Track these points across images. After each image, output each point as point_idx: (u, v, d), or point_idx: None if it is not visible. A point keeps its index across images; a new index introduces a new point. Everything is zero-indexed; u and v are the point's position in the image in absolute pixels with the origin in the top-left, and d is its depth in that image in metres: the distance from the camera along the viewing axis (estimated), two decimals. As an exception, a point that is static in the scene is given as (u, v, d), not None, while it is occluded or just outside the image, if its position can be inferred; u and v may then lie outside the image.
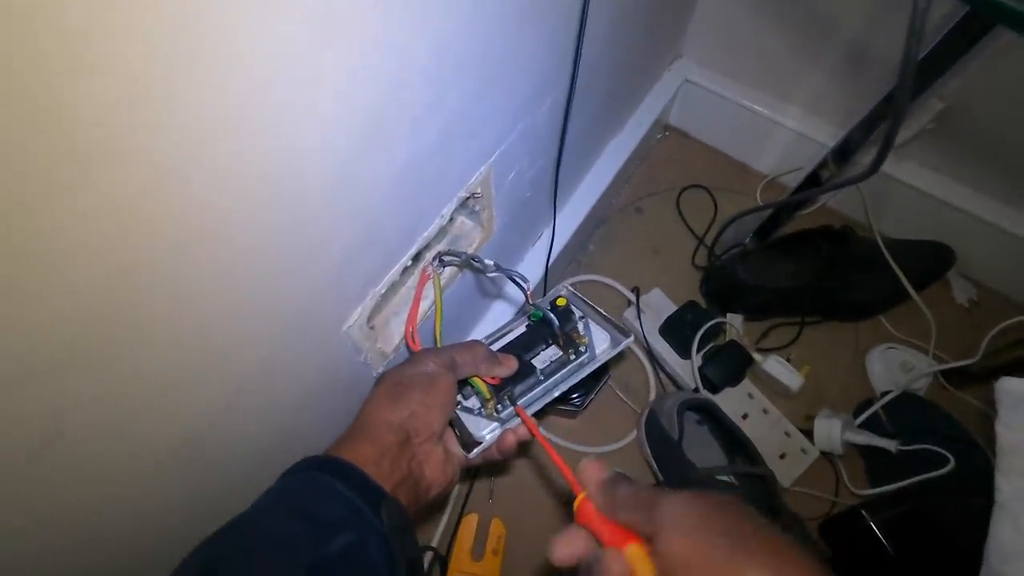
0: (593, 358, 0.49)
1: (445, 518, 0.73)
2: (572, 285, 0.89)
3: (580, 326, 0.50)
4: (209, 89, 0.22)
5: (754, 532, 0.28)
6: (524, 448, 0.48)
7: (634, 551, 0.29)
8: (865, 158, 0.73)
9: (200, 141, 0.23)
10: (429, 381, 0.42)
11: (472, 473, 0.76)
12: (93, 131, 0.20)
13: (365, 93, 0.31)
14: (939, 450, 0.67)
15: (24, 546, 0.29)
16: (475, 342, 0.46)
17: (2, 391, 0.22)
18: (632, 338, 0.49)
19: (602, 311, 0.51)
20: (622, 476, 0.33)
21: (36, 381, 0.23)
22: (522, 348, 0.49)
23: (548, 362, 0.49)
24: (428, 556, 0.70)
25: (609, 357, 0.50)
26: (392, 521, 0.35)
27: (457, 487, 0.75)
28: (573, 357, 0.49)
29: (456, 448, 0.46)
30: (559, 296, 0.51)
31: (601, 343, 0.51)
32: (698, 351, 0.78)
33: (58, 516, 0.29)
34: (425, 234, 0.47)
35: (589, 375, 0.49)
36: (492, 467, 0.76)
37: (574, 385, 0.49)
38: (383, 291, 0.45)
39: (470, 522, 0.72)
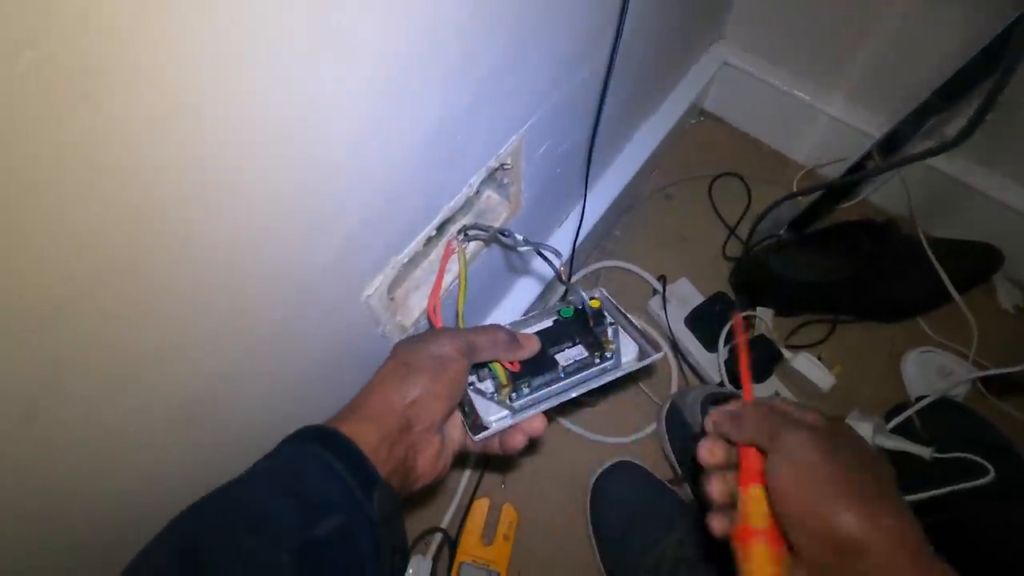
0: (618, 366, 0.48)
1: (456, 500, 0.72)
2: (597, 271, 0.86)
3: (610, 331, 0.49)
4: (222, 23, 0.20)
5: (866, 484, 0.32)
6: (532, 445, 0.46)
7: (756, 491, 0.34)
8: (915, 148, 0.69)
9: (214, 76, 0.21)
10: (440, 366, 0.40)
11: (485, 458, 0.74)
12: (101, 42, 0.18)
13: (394, 44, 0.29)
14: (978, 459, 0.64)
15: (21, 510, 0.27)
16: (495, 326, 0.45)
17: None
18: (662, 354, 0.48)
19: (634, 321, 0.49)
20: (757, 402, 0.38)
21: (35, 328, 0.22)
22: (548, 341, 0.48)
23: (571, 361, 0.47)
24: (438, 538, 0.69)
25: (634, 369, 0.48)
26: (383, 508, 0.34)
27: (468, 471, 0.73)
28: (598, 361, 0.47)
29: (453, 438, 0.44)
30: (593, 297, 0.49)
31: (628, 353, 0.49)
32: (725, 344, 0.75)
33: (64, 471, 0.28)
34: (451, 203, 0.45)
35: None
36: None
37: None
38: (405, 261, 0.43)
39: (481, 506, 0.71)
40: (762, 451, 0.35)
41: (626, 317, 0.50)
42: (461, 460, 0.74)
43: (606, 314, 0.50)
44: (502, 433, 0.45)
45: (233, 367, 0.34)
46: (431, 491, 0.73)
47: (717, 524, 0.37)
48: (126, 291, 0.24)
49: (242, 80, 0.22)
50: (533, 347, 0.46)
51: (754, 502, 0.34)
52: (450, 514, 0.71)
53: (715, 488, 0.38)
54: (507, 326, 0.46)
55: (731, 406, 0.39)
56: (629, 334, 0.50)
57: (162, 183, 0.22)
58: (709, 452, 0.39)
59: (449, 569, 0.67)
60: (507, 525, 0.70)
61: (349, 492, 0.33)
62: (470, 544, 0.68)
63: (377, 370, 0.40)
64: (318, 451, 0.34)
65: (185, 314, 0.28)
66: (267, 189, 0.27)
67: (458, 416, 0.45)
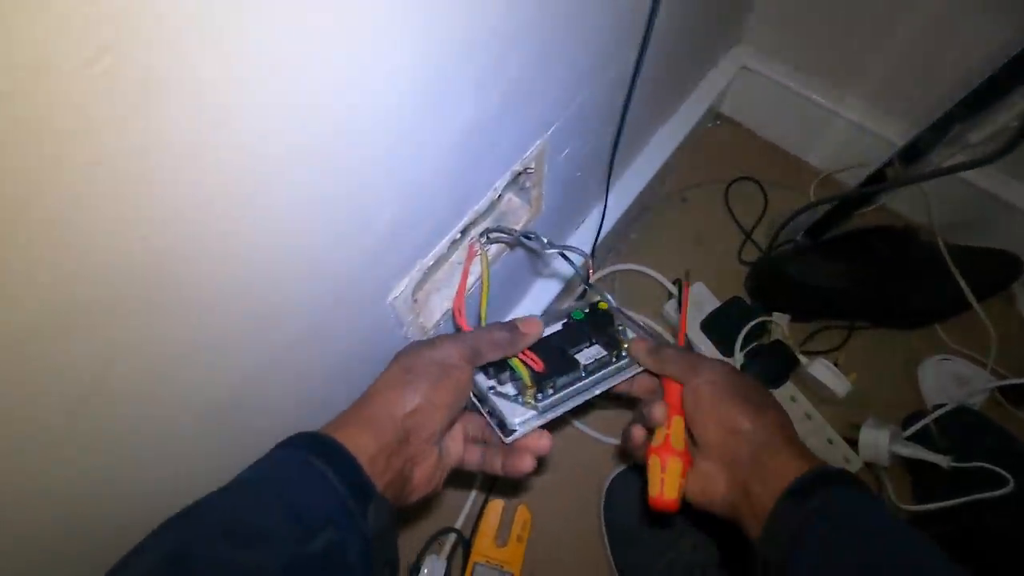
0: (634, 363, 0.49)
1: (470, 501, 0.72)
2: (613, 274, 0.86)
3: (623, 331, 0.50)
4: (262, 27, 0.21)
5: (760, 393, 0.44)
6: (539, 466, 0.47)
7: (678, 421, 0.45)
8: (937, 159, 0.69)
9: (249, 77, 0.22)
10: (442, 373, 0.39)
11: (491, 480, 0.74)
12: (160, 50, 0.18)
13: (433, 46, 0.29)
14: (997, 469, 0.63)
15: (49, 508, 0.28)
16: (492, 325, 0.45)
17: (48, 337, 0.21)
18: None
19: (641, 324, 0.51)
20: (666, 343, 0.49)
21: (82, 329, 0.22)
22: (567, 343, 0.49)
23: (592, 360, 0.48)
24: (452, 538, 0.69)
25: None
26: (378, 523, 0.33)
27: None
28: (615, 360, 0.49)
29: (451, 452, 0.45)
30: (600, 301, 0.51)
31: None
32: (741, 349, 0.75)
33: (96, 473, 0.28)
34: (476, 207, 0.45)
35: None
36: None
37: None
38: (430, 263, 0.43)
39: (495, 507, 0.71)
40: (680, 383, 0.46)
41: (635, 322, 0.52)
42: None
43: (614, 316, 0.51)
44: (507, 454, 0.45)
45: (261, 369, 0.34)
46: (430, 500, 0.73)
47: (638, 432, 0.47)
48: (162, 293, 0.24)
49: (286, 83, 0.23)
50: (535, 330, 0.45)
51: (676, 429, 0.45)
52: (464, 514, 0.71)
53: (636, 434, 0.48)
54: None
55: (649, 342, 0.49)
56: (637, 335, 0.51)
57: (208, 185, 0.23)
58: (638, 433, 0.48)
59: (463, 569, 0.67)
60: (521, 526, 0.70)
61: (343, 506, 0.32)
62: (484, 545, 0.68)
63: (378, 377, 0.40)
64: (315, 463, 0.33)
65: (217, 317, 0.28)
66: (304, 194, 0.27)
67: (458, 430, 0.45)
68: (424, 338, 0.49)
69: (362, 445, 0.35)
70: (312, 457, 0.33)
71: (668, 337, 0.80)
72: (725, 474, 0.42)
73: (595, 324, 0.50)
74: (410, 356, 0.40)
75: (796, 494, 0.37)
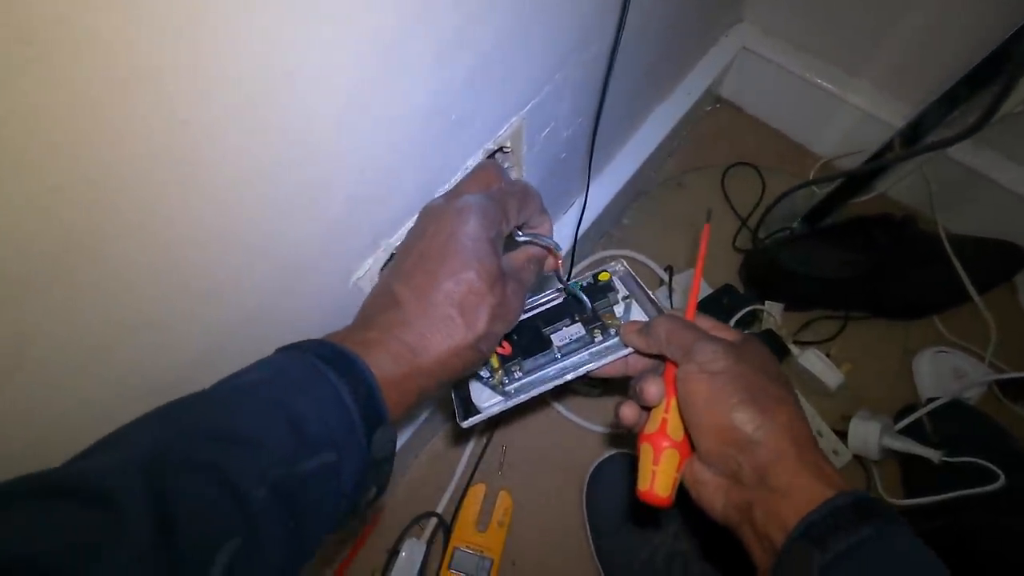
0: (622, 344, 0.44)
1: (452, 485, 0.71)
2: (603, 260, 0.84)
3: (619, 308, 0.46)
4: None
5: (768, 390, 0.35)
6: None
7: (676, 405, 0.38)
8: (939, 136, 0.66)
9: (183, 33, 0.20)
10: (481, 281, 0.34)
11: (484, 444, 0.74)
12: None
13: (378, 12, 0.27)
14: (988, 464, 0.62)
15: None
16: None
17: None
18: None
19: (655, 299, 0.45)
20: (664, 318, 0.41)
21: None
22: (543, 321, 0.46)
23: (567, 340, 0.45)
24: (432, 523, 0.69)
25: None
26: (380, 451, 0.31)
27: (466, 457, 0.73)
28: (598, 339, 0.44)
29: None
30: (603, 270, 0.47)
31: None
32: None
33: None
34: (446, 187, 0.43)
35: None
36: (504, 437, 0.74)
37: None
38: (396, 244, 0.42)
39: (477, 492, 0.70)
40: (676, 363, 0.38)
41: (645, 292, 0.46)
42: (462, 441, 0.74)
43: (618, 287, 0.47)
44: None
45: (211, 350, 0.33)
46: (428, 475, 0.72)
47: (628, 411, 0.41)
48: (91, 263, 0.23)
49: (215, 37, 0.21)
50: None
51: (675, 414, 0.38)
52: (446, 499, 0.71)
53: (625, 413, 0.42)
54: None
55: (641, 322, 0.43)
56: (645, 311, 0.46)
57: (128, 151, 0.21)
58: (627, 413, 0.42)
59: (443, 554, 0.67)
60: (502, 512, 0.69)
61: (351, 430, 0.29)
62: (464, 530, 0.68)
63: (398, 261, 0.37)
64: (332, 378, 0.29)
65: (157, 290, 0.27)
66: (244, 161, 0.26)
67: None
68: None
69: (386, 371, 0.31)
70: (331, 372, 0.29)
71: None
72: (723, 488, 0.36)
73: (580, 302, 0.46)
74: (433, 233, 0.36)
75: (811, 535, 0.30)
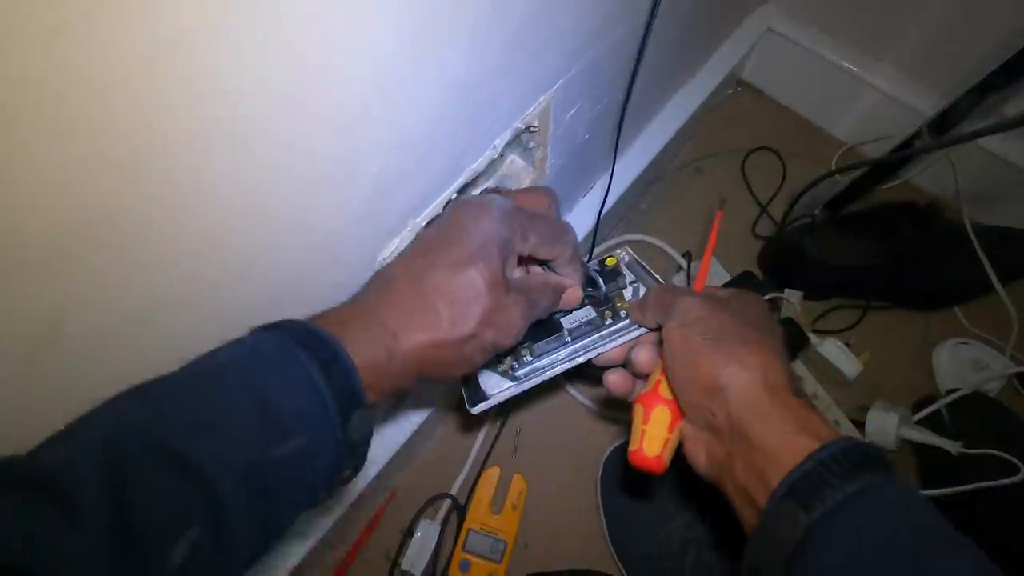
0: (632, 325, 0.43)
1: (467, 468, 0.71)
2: (620, 244, 0.84)
3: (627, 292, 0.46)
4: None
5: (743, 335, 0.34)
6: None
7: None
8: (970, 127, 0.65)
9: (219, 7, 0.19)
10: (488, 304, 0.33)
11: (498, 428, 0.74)
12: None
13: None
14: (1008, 457, 0.61)
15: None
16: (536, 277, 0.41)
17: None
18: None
19: (661, 280, 0.46)
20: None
21: (33, 275, 0.21)
22: None
23: (577, 323, 0.44)
24: (447, 504, 0.69)
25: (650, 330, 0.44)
26: (357, 435, 0.29)
27: (480, 439, 0.73)
28: (609, 322, 0.44)
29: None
30: (609, 256, 0.47)
31: None
32: (749, 325, 0.73)
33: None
34: (474, 166, 0.43)
35: None
36: (519, 420, 0.74)
37: None
38: (423, 224, 0.41)
39: (491, 475, 0.70)
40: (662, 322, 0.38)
41: (652, 275, 0.46)
42: (475, 426, 0.74)
43: (625, 272, 0.47)
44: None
45: (238, 325, 0.32)
46: (442, 457, 0.73)
47: (616, 378, 0.42)
48: (130, 237, 0.23)
49: (253, 7, 0.21)
50: (571, 301, 0.42)
51: (665, 378, 0.38)
52: (460, 481, 0.71)
53: (611, 380, 0.42)
54: None
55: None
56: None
57: (160, 123, 0.21)
58: (614, 380, 0.42)
59: (457, 535, 0.67)
60: (516, 495, 0.69)
61: (324, 412, 0.28)
62: (479, 512, 0.68)
63: (392, 267, 0.36)
64: (304, 359, 0.28)
65: (192, 265, 0.26)
66: (283, 133, 0.25)
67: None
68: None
69: (368, 358, 0.30)
70: (299, 351, 0.28)
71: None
72: (704, 441, 0.35)
73: (595, 284, 0.46)
74: (434, 265, 0.34)
75: (796, 493, 0.28)
